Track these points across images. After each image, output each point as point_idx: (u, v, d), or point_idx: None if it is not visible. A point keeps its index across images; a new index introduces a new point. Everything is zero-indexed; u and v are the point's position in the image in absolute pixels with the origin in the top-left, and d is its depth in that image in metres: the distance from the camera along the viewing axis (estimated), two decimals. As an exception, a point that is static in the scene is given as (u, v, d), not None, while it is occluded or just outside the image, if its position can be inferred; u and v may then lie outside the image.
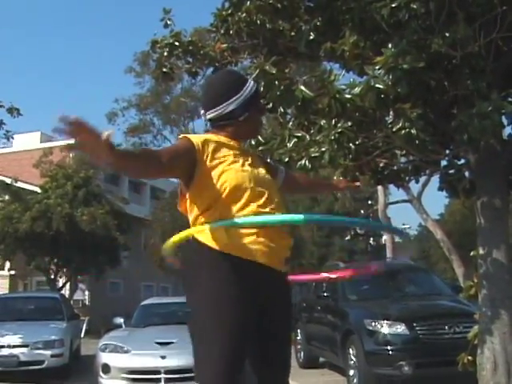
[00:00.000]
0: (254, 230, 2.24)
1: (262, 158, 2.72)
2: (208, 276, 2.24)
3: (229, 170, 2.29)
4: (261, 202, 2.30)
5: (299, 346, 10.11)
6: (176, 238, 2.36)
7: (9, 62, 63.18)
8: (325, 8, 5.47)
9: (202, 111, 2.49)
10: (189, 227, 2.36)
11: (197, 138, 2.35)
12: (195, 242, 2.30)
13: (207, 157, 2.31)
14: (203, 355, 2.21)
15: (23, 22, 64.36)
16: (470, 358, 5.61)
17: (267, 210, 2.30)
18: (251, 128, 2.50)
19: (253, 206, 2.27)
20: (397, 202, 19.43)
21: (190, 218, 2.37)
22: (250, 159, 2.44)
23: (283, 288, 2.39)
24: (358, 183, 3.17)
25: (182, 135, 2.42)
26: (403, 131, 4.79)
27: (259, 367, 2.38)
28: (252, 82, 2.51)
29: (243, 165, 2.36)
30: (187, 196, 2.36)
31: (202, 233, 2.28)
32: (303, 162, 5.28)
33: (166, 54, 6.13)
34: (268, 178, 2.45)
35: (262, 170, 2.45)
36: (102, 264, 19.57)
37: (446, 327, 7.01)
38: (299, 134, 5.43)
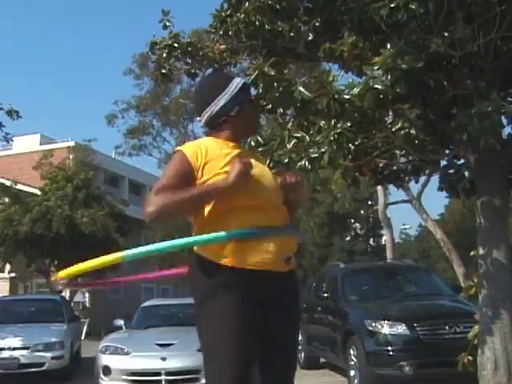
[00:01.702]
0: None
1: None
2: (206, 289, 2.25)
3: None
4: (260, 208, 2.27)
5: (300, 347, 10.10)
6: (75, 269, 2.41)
7: (7, 64, 63.22)
8: (323, 9, 5.47)
9: (198, 118, 2.50)
10: (188, 229, 2.38)
11: (192, 151, 2.32)
12: (194, 254, 2.32)
13: (203, 169, 2.28)
14: (211, 370, 2.23)
15: (21, 22, 64.40)
16: (469, 357, 5.60)
17: (267, 216, 2.27)
18: (247, 122, 2.44)
19: (252, 213, 2.25)
20: (396, 203, 19.47)
21: (192, 218, 2.37)
22: (252, 161, 2.39)
23: (287, 288, 2.35)
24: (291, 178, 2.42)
25: (177, 149, 2.39)
26: (402, 131, 4.79)
27: (263, 367, 2.37)
28: (239, 79, 2.49)
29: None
30: None
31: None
32: (303, 162, 5.28)
33: (165, 55, 6.13)
34: (270, 179, 2.40)
35: (264, 172, 2.42)
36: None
37: (447, 327, 7.00)
38: (299, 135, 5.44)
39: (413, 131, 4.74)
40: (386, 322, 7.07)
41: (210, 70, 6.22)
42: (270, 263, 2.24)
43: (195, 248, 2.33)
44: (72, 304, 18.00)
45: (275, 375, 2.37)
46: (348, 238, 33.40)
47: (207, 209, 2.28)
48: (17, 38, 66.63)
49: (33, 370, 9.02)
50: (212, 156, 2.30)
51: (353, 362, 7.42)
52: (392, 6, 4.71)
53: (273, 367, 2.35)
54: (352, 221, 33.53)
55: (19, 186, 19.10)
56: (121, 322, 9.53)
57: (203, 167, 2.28)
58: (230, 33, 5.82)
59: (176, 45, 6.10)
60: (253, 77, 4.84)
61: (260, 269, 2.22)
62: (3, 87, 54.86)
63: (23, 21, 63.04)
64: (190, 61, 6.26)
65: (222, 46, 6.00)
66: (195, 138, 20.27)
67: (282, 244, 2.27)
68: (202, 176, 2.27)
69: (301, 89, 4.87)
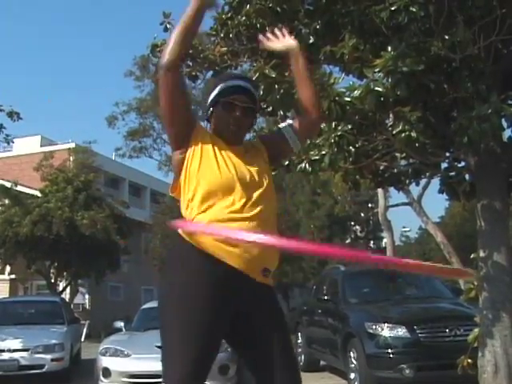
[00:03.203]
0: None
1: (261, 152, 2.53)
2: (178, 268, 2.26)
3: (213, 168, 2.28)
4: (238, 206, 2.26)
5: (300, 349, 10.10)
6: None
7: (7, 64, 63.26)
8: (324, 11, 5.48)
9: None
10: None
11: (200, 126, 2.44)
12: (178, 234, 2.31)
13: (200, 142, 2.34)
14: (168, 354, 2.23)
15: (21, 22, 64.46)
16: (469, 360, 5.60)
17: (243, 216, 2.24)
18: (218, 125, 2.44)
19: (232, 209, 2.24)
20: (397, 205, 19.43)
21: (182, 204, 2.37)
22: (243, 157, 2.39)
23: (264, 296, 2.32)
24: None
25: None
26: (403, 134, 4.79)
27: (257, 373, 2.35)
28: (229, 83, 2.46)
29: (232, 164, 2.32)
30: (180, 180, 2.36)
31: (184, 226, 2.30)
32: (303, 165, 5.29)
33: (166, 57, 6.13)
34: (259, 179, 2.36)
35: (254, 171, 2.37)
36: (102, 268, 19.57)
37: (447, 330, 7.00)
38: (299, 137, 5.42)
39: (413, 134, 4.74)
40: (386, 324, 7.07)
41: (210, 73, 6.23)
42: (246, 263, 2.21)
43: (180, 231, 2.32)
44: (72, 306, 18.01)
45: (272, 378, 2.30)
46: (348, 241, 33.31)
47: (193, 194, 2.29)
48: (17, 38, 66.76)
49: (33, 371, 9.01)
50: (209, 141, 2.36)
51: (353, 365, 7.42)
52: (393, 8, 4.71)
53: (266, 371, 2.30)
54: (352, 223, 33.49)
55: (19, 188, 19.10)
56: (121, 324, 9.53)
57: (200, 141, 2.35)
58: (231, 35, 5.83)
59: (177, 47, 6.09)
60: (254, 79, 4.83)
61: (236, 266, 2.20)
62: (3, 87, 54.88)
63: (23, 21, 63.14)
64: (190, 63, 6.27)
65: (223, 49, 6.00)
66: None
67: (261, 252, 2.24)
68: (194, 144, 2.34)
69: (301, 91, 4.86)
